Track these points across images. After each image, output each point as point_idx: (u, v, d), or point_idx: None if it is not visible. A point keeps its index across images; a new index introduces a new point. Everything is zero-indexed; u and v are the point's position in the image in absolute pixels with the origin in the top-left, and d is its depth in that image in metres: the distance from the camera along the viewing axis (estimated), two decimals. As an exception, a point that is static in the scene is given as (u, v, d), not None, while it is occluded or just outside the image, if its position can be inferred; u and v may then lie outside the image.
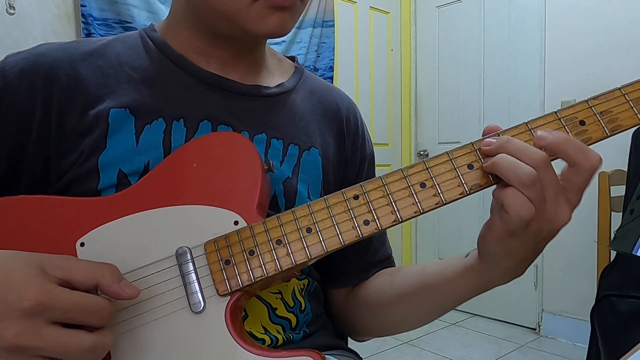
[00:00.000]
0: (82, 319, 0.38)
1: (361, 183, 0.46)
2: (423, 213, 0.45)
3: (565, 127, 0.45)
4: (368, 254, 0.69)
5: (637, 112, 0.44)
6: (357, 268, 0.69)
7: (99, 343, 0.39)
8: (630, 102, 0.44)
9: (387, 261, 0.71)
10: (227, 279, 0.46)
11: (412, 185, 0.45)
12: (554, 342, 2.45)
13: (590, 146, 0.44)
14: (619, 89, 0.45)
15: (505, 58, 2.66)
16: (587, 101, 0.45)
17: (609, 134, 0.44)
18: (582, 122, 0.45)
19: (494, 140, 0.44)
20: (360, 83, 2.93)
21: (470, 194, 0.45)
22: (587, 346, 1.22)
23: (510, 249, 0.46)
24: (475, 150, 0.45)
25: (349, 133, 0.70)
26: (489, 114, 2.74)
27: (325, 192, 0.64)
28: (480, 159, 0.45)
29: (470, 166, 0.45)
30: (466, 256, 0.54)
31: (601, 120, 0.45)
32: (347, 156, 0.70)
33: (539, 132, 0.44)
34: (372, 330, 0.69)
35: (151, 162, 0.54)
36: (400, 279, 0.63)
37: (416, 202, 0.45)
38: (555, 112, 0.45)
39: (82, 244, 0.48)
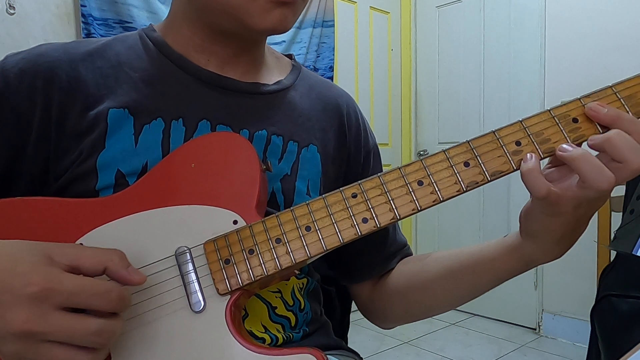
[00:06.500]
0: (88, 302, 0.38)
1: (359, 182, 0.47)
2: (421, 210, 0.45)
3: (559, 124, 0.45)
4: (387, 245, 0.69)
5: (628, 110, 0.44)
6: (379, 260, 0.69)
7: (107, 327, 0.39)
8: (622, 99, 0.45)
9: (405, 248, 0.72)
10: (227, 278, 0.46)
11: (409, 183, 0.45)
12: (554, 342, 2.45)
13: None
14: (611, 87, 0.46)
15: (505, 58, 2.66)
16: (579, 99, 0.46)
17: (601, 132, 0.44)
18: (575, 120, 0.45)
19: (605, 110, 0.44)
20: (360, 83, 2.92)
21: (467, 191, 0.45)
22: (587, 346, 1.22)
23: (552, 225, 0.46)
24: (472, 149, 0.45)
25: (350, 127, 0.70)
26: (489, 114, 2.74)
27: (324, 188, 0.64)
28: (476, 157, 0.45)
29: (466, 164, 0.45)
30: (504, 237, 0.54)
31: None
32: (349, 151, 0.69)
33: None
34: (403, 317, 0.69)
35: (149, 163, 0.54)
36: (432, 264, 0.63)
37: (414, 200, 0.45)
38: (549, 110, 0.46)
39: (81, 245, 0.48)
